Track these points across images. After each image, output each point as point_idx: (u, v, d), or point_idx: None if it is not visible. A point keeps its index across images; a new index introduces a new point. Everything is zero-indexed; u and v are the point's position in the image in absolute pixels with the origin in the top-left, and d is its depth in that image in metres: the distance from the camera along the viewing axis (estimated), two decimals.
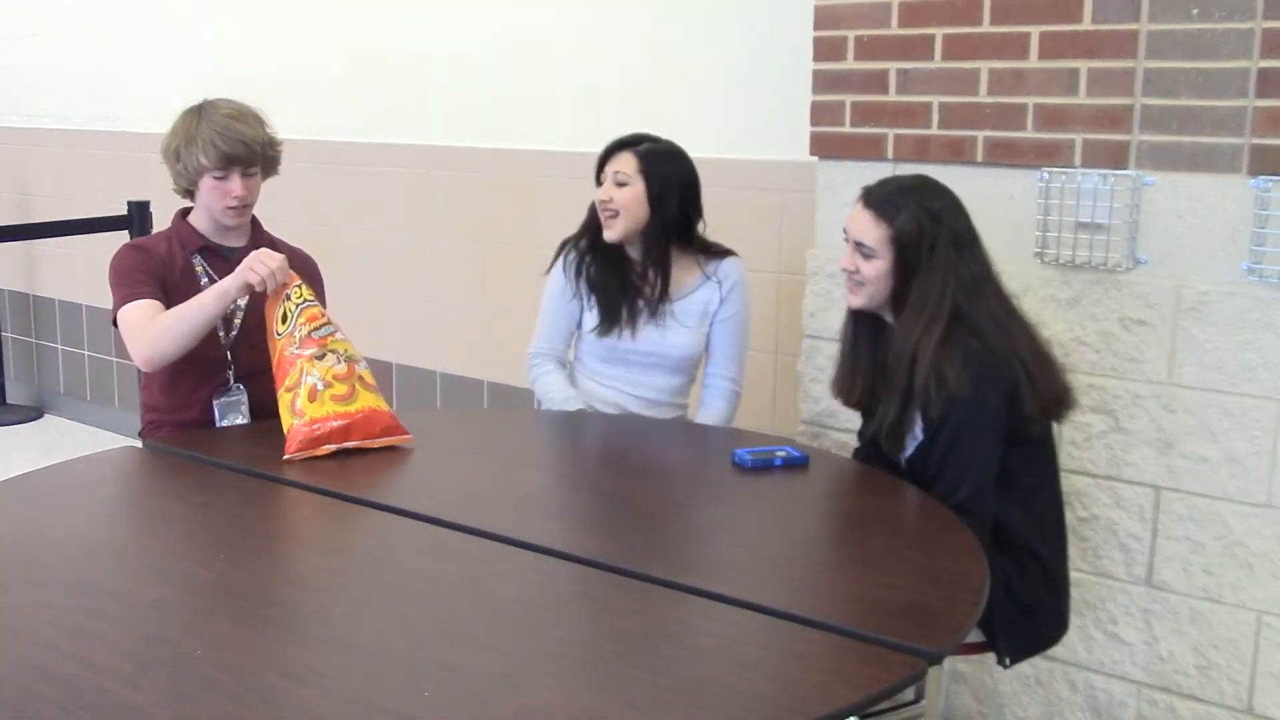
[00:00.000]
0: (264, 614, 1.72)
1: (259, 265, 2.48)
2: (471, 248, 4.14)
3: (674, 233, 2.84)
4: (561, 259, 2.93)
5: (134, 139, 5.11)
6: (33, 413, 5.78)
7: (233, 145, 2.65)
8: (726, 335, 2.91)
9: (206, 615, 1.72)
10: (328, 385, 2.39)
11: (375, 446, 2.41)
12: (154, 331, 2.56)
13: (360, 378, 2.45)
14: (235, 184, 2.67)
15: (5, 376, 5.78)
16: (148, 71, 5.07)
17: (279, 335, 2.48)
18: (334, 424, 2.37)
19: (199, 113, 2.69)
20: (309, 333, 2.45)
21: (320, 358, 2.43)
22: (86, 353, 5.58)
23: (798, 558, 2.02)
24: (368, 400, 2.42)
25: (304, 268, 2.83)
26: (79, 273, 5.46)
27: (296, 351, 2.44)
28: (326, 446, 2.37)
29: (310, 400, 2.38)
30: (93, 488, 2.32)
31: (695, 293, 2.88)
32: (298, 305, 2.48)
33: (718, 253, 2.92)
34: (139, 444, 2.59)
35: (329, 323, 2.49)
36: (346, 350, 2.47)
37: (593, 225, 2.89)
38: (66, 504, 2.19)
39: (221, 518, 2.13)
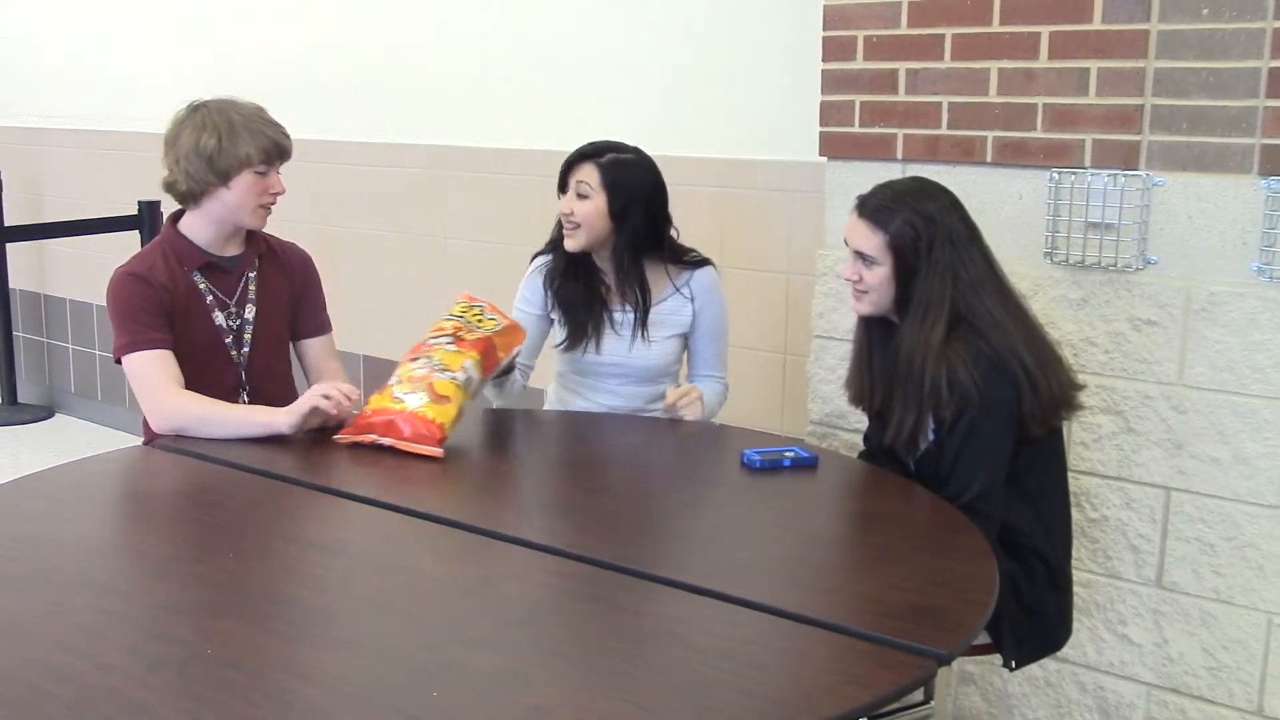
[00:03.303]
0: (273, 613, 1.73)
1: (334, 397, 2.44)
2: (479, 247, 4.14)
3: (642, 245, 2.81)
4: (533, 274, 2.92)
5: (145, 139, 5.11)
6: (43, 412, 5.80)
7: (281, 137, 2.61)
8: (708, 343, 2.90)
9: (216, 615, 1.72)
10: (399, 383, 2.47)
11: (403, 449, 2.41)
12: (183, 414, 2.47)
13: (430, 384, 2.45)
14: (276, 179, 2.62)
15: (16, 376, 5.80)
16: (158, 72, 5.08)
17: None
18: (381, 417, 2.44)
19: (219, 109, 2.59)
20: (426, 339, 2.56)
21: (414, 360, 2.52)
22: (97, 352, 5.60)
23: (807, 558, 2.02)
24: (416, 404, 2.43)
25: (301, 265, 2.80)
26: (90, 272, 5.47)
27: (408, 355, 2.56)
28: (369, 436, 2.44)
29: (379, 393, 2.50)
30: (103, 487, 2.33)
31: (663, 303, 2.86)
32: (448, 317, 2.60)
33: (690, 262, 2.88)
34: None
35: (448, 334, 2.54)
36: (442, 359, 2.49)
37: (560, 238, 2.86)
38: (77, 503, 2.20)
39: (231, 517, 2.13)
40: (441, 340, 2.54)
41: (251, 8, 4.70)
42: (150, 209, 4.80)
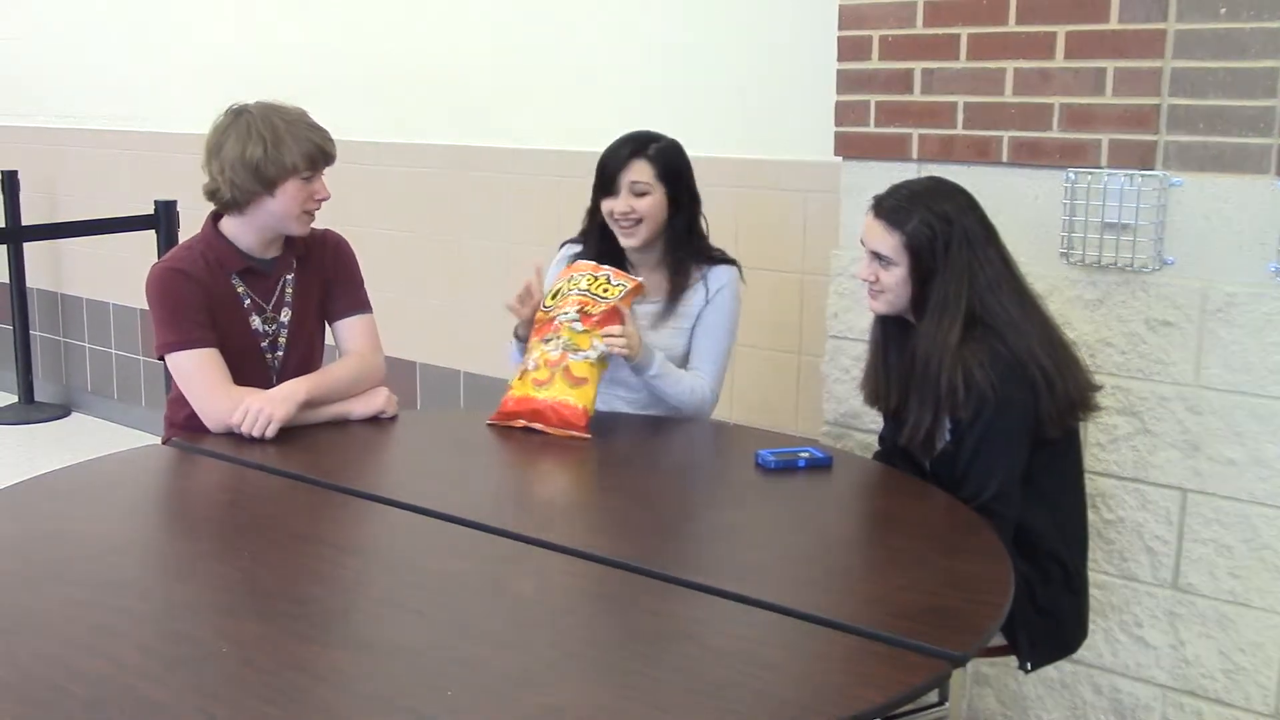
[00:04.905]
0: (288, 612, 1.73)
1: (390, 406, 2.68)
2: (496, 247, 4.15)
3: (695, 222, 2.85)
4: (561, 261, 2.91)
5: (161, 139, 5.14)
6: (60, 411, 5.83)
7: (325, 141, 2.59)
8: (706, 337, 2.83)
9: (231, 614, 1.73)
10: (536, 368, 2.62)
11: (552, 434, 2.56)
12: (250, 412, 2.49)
13: (566, 368, 2.58)
14: (321, 184, 2.59)
15: (33, 375, 5.83)
16: (175, 72, 5.10)
17: (544, 308, 2.71)
18: (526, 405, 2.60)
19: (263, 116, 2.54)
20: (554, 314, 2.66)
21: (547, 341, 2.64)
22: (114, 351, 5.62)
23: (821, 559, 2.02)
24: (558, 391, 2.57)
25: (334, 249, 2.76)
26: (106, 272, 5.50)
27: (537, 330, 2.69)
28: (519, 421, 2.60)
29: (519, 378, 2.65)
30: (119, 486, 2.34)
31: (685, 294, 2.84)
32: (568, 290, 2.68)
33: (714, 259, 2.87)
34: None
35: (569, 309, 2.63)
36: (571, 339, 2.61)
37: (594, 233, 2.86)
38: (93, 502, 2.21)
39: (247, 516, 2.14)
40: (569, 318, 2.63)
41: (266, 8, 4.71)
42: (167, 208, 4.81)
